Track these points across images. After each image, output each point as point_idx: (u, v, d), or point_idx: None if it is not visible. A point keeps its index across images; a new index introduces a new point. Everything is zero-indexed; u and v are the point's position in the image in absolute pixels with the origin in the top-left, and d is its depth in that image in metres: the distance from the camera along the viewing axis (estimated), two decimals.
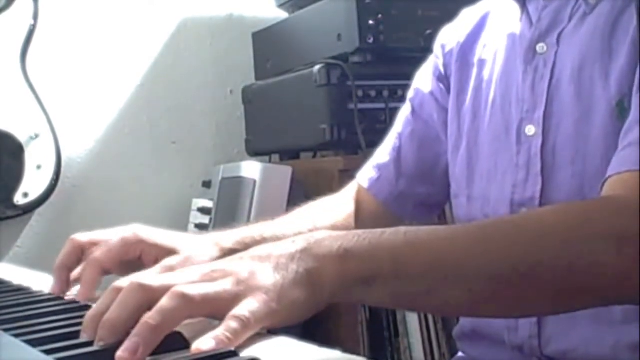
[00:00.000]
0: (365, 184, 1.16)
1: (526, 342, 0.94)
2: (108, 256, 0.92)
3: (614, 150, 0.86)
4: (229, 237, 1.03)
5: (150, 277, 0.65)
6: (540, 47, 0.95)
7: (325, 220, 1.12)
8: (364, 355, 1.64)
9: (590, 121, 0.89)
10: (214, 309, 0.63)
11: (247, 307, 0.62)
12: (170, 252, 0.94)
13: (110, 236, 0.95)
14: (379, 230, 0.69)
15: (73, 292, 0.93)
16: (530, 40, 0.96)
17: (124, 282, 0.66)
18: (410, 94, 1.15)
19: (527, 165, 0.94)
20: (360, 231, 0.70)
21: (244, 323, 0.61)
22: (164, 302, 0.62)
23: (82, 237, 0.96)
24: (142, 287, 0.63)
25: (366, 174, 1.16)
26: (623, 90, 0.86)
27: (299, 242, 0.67)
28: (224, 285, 0.64)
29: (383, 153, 1.16)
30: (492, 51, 1.03)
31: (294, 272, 0.65)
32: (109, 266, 0.93)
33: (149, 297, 0.63)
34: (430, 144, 1.12)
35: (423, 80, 1.14)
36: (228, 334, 0.60)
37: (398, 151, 1.14)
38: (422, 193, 1.13)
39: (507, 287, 0.68)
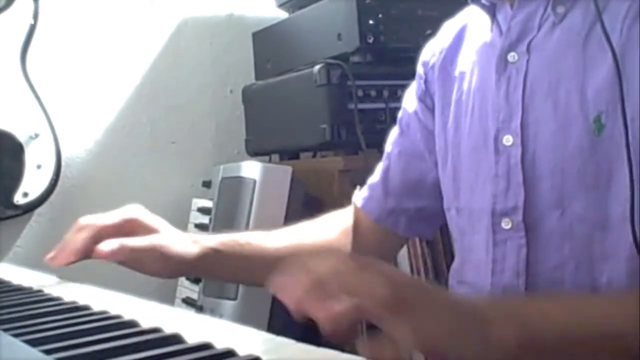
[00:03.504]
0: (359, 203, 1.20)
1: None
2: (105, 219, 1.02)
3: (590, 166, 0.87)
4: (214, 237, 1.10)
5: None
6: (512, 56, 0.95)
7: (316, 235, 1.18)
8: None
9: (567, 135, 0.89)
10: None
11: (407, 328, 0.63)
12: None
13: (112, 213, 1.04)
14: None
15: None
16: (501, 50, 0.96)
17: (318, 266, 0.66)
18: (399, 114, 1.18)
19: (507, 175, 0.94)
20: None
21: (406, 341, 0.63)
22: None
23: (88, 219, 1.04)
24: (358, 309, 0.63)
25: (361, 193, 1.21)
26: (600, 106, 0.86)
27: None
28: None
29: (377, 172, 1.20)
30: (470, 63, 1.04)
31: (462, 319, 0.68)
32: (106, 230, 1.01)
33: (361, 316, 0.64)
34: (415, 163, 1.14)
35: (408, 100, 1.16)
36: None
37: (386, 171, 1.18)
38: (411, 208, 1.16)
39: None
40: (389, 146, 1.18)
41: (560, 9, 0.92)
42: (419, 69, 1.13)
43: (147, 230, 1.03)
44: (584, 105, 0.88)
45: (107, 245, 0.97)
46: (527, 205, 0.92)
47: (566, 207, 0.89)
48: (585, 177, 0.87)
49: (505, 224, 0.95)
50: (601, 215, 0.87)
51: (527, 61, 0.94)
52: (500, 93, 0.95)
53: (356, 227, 1.19)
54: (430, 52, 1.12)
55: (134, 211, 1.05)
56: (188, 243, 1.06)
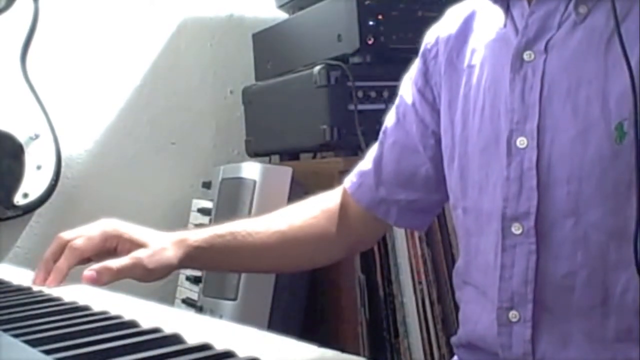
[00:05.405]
0: (349, 189, 1.17)
1: (520, 358, 0.93)
2: (88, 244, 1.02)
3: (611, 174, 0.85)
4: (198, 235, 1.11)
5: None
6: (528, 55, 0.92)
7: (301, 221, 1.16)
8: (364, 356, 1.64)
9: (587, 141, 0.87)
10: None
11: None
12: (142, 246, 1.04)
13: (92, 229, 1.04)
14: None
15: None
16: (517, 48, 0.93)
17: None
18: (396, 100, 1.15)
19: (519, 178, 0.92)
20: None
21: None
22: None
23: (67, 234, 1.04)
24: None
25: (350, 179, 1.18)
26: (623, 113, 0.84)
27: None
28: None
29: (367, 159, 1.17)
30: (480, 56, 1.01)
31: None
32: (89, 254, 1.02)
33: None
34: (409, 155, 1.12)
35: (406, 89, 1.13)
36: None
37: (379, 159, 1.15)
38: (403, 199, 1.14)
39: None
40: (382, 134, 1.16)
41: (583, 9, 0.89)
42: (421, 55, 1.10)
43: (130, 243, 1.04)
44: (605, 112, 0.85)
45: (92, 271, 0.97)
46: (539, 211, 0.90)
47: (581, 215, 0.87)
48: (605, 185, 0.85)
49: (516, 229, 0.92)
50: (619, 224, 0.85)
51: (545, 61, 0.91)
52: (515, 93, 0.93)
53: (344, 210, 1.17)
54: (433, 38, 1.09)
55: (113, 225, 1.06)
56: (170, 248, 1.07)
